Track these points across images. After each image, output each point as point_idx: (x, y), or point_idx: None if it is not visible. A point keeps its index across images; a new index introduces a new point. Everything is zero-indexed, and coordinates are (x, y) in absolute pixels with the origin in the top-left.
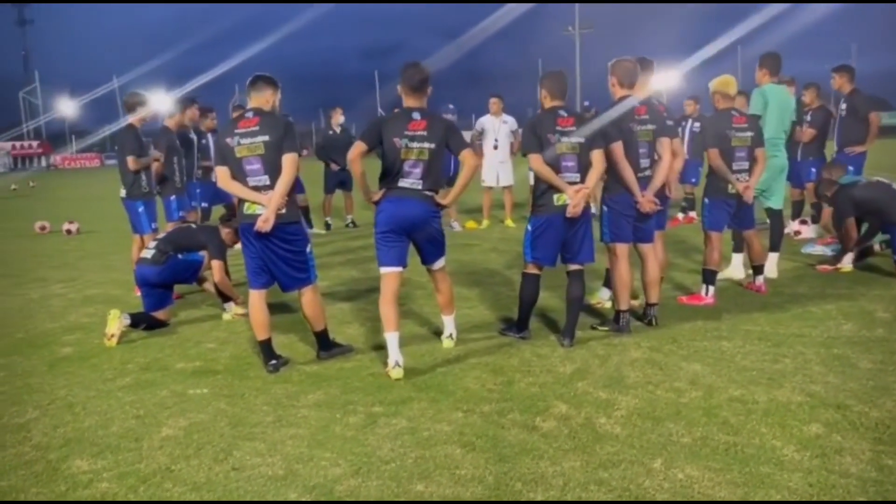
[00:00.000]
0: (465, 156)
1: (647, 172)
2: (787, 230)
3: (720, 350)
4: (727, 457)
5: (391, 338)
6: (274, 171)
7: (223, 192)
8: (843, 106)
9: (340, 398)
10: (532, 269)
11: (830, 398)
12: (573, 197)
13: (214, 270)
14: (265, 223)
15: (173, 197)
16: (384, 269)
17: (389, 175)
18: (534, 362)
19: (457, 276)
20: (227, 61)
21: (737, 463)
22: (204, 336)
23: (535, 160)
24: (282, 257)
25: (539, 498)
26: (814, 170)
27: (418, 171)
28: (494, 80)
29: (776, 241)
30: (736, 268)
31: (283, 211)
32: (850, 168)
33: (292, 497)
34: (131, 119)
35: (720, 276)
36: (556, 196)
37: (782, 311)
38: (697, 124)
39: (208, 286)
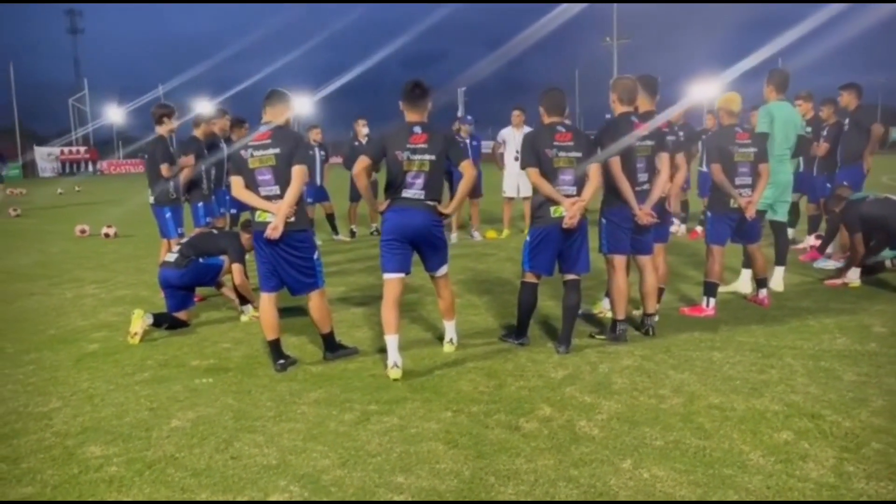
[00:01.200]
0: (465, 167)
1: (646, 186)
2: (803, 244)
3: (710, 360)
4: (694, 459)
5: (391, 340)
6: (284, 181)
7: None
8: (847, 122)
9: (340, 396)
10: (530, 278)
11: (807, 408)
12: (569, 209)
13: (234, 273)
14: (274, 231)
15: (201, 203)
16: (387, 276)
17: (393, 186)
18: (528, 367)
19: (469, 284)
20: (268, 70)
21: (702, 465)
22: (221, 336)
23: (533, 174)
24: (290, 263)
25: (509, 491)
26: (829, 185)
27: (420, 181)
28: (534, 90)
29: (782, 254)
30: (744, 282)
31: (292, 219)
32: (845, 183)
33: (282, 484)
34: (159, 130)
35: (727, 289)
36: (553, 208)
37: (780, 323)
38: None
39: (227, 291)
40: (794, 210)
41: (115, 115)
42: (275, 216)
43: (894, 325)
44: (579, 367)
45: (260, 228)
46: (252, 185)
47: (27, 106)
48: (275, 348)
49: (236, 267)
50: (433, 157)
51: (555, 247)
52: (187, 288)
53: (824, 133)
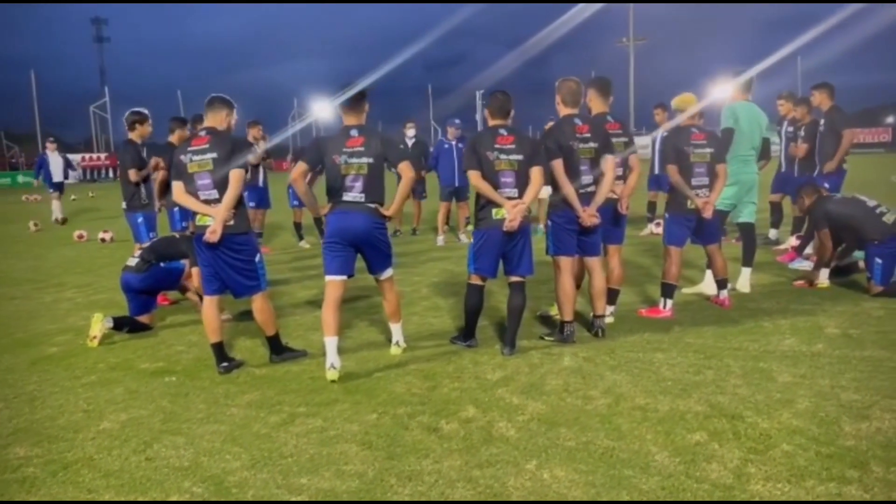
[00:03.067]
0: (402, 168)
1: (591, 189)
2: (785, 245)
3: (650, 361)
4: (599, 460)
5: (329, 342)
6: (222, 186)
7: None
8: (822, 122)
9: (273, 398)
10: (475, 280)
11: (730, 409)
12: (510, 212)
13: (194, 277)
14: (212, 234)
15: (176, 209)
16: (328, 277)
17: (333, 190)
18: (467, 369)
19: (439, 287)
20: (290, 74)
21: (605, 466)
22: (178, 339)
23: (475, 176)
24: (231, 266)
25: (406, 492)
26: (826, 185)
27: (359, 184)
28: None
29: (749, 256)
30: (708, 283)
31: (232, 223)
32: (826, 186)
33: (186, 485)
34: (131, 136)
35: (692, 290)
36: (494, 210)
37: (734, 325)
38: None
39: (191, 295)
40: (778, 211)
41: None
42: (213, 220)
43: (849, 326)
44: (518, 369)
45: (200, 232)
46: (192, 189)
47: (54, 114)
48: (217, 351)
49: (196, 271)
50: (370, 160)
51: (497, 249)
52: (148, 292)
53: (801, 133)
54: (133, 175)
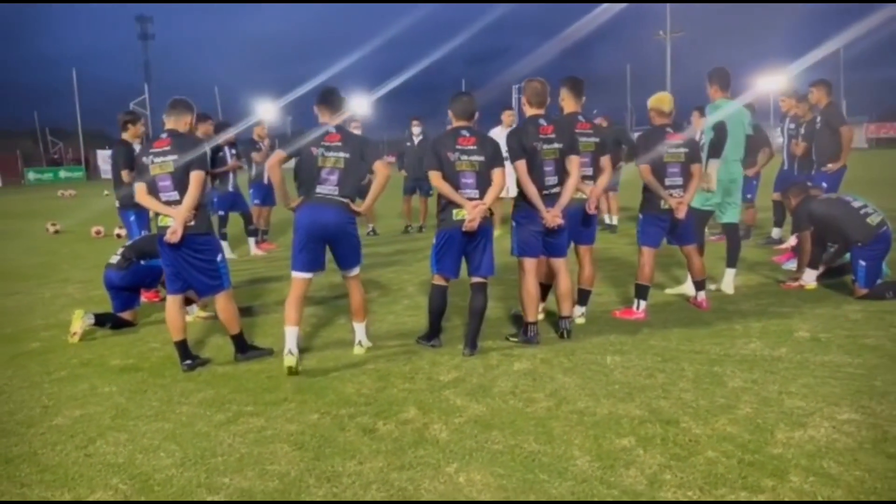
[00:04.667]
0: (378, 167)
1: (555, 190)
2: (786, 245)
3: (604, 364)
4: (519, 464)
5: (289, 331)
6: (183, 187)
7: (241, 201)
8: (818, 119)
9: (225, 397)
10: (438, 281)
11: (668, 413)
12: (470, 212)
13: None
14: (173, 235)
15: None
16: (295, 273)
17: (307, 183)
18: (423, 370)
19: (425, 286)
20: (331, 70)
21: (523, 470)
22: (155, 337)
23: (435, 177)
24: (193, 265)
25: (321, 493)
26: (824, 184)
27: (334, 178)
28: (598, 84)
29: (732, 257)
30: (690, 285)
31: (192, 223)
32: (825, 185)
33: (113, 482)
34: (124, 136)
35: (675, 291)
36: (455, 211)
37: (705, 327)
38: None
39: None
40: (780, 209)
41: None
42: (174, 220)
43: (821, 329)
44: (473, 370)
45: (162, 232)
46: (154, 190)
47: (97, 111)
48: (181, 349)
49: None
50: (347, 155)
51: (458, 249)
52: (130, 289)
53: (801, 131)
54: (126, 176)
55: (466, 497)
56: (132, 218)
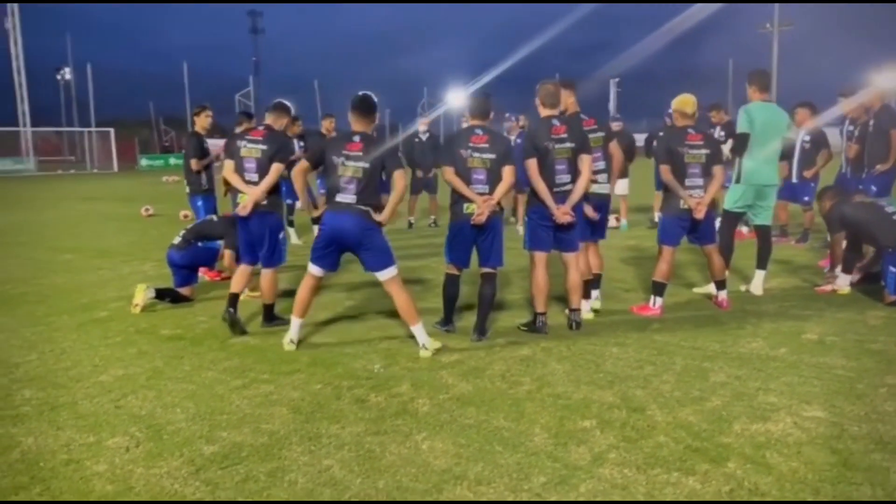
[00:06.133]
0: (396, 177)
1: (567, 188)
2: None
3: (601, 354)
4: (481, 437)
5: (294, 322)
6: (263, 172)
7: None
8: (871, 123)
9: (247, 366)
10: (451, 270)
11: (639, 401)
12: (480, 206)
13: (226, 258)
14: (243, 209)
15: (200, 202)
16: (309, 267)
17: (331, 190)
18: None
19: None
20: (433, 65)
21: (482, 441)
22: (204, 311)
23: (448, 172)
24: (259, 239)
25: (299, 449)
26: (861, 187)
27: (353, 187)
28: (705, 78)
29: (763, 258)
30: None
31: (265, 202)
32: (874, 188)
33: (131, 430)
34: (196, 127)
35: (700, 290)
36: (465, 205)
37: (714, 325)
38: (808, 137)
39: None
40: None
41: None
42: (248, 197)
43: (833, 333)
44: (474, 354)
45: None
46: (239, 169)
47: (210, 101)
48: (231, 299)
49: (227, 252)
50: (367, 165)
51: (468, 241)
52: (189, 267)
53: (856, 133)
54: (195, 164)
55: (422, 461)
56: (199, 203)
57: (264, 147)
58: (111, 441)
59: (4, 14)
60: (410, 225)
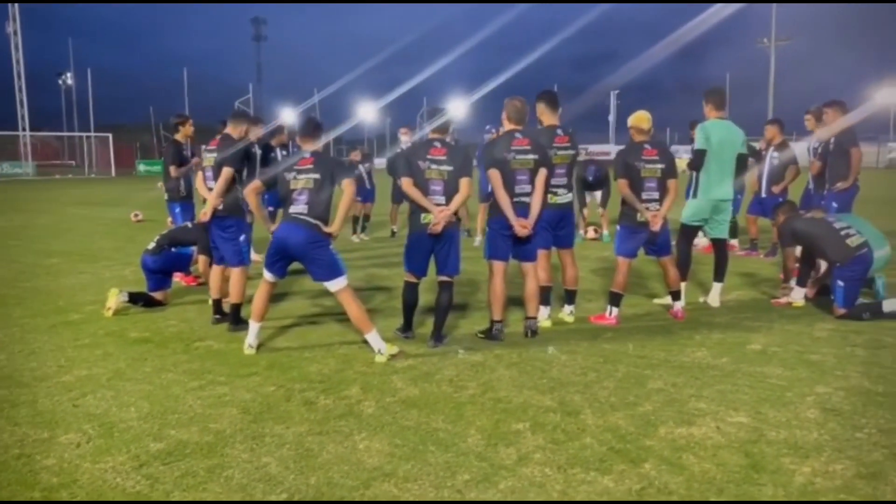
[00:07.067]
0: (345, 184)
1: (527, 198)
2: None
3: (549, 361)
4: (417, 437)
5: (253, 325)
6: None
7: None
8: (832, 141)
9: (206, 369)
10: (410, 278)
11: (575, 406)
12: (436, 217)
13: (199, 263)
14: (203, 216)
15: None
16: (264, 273)
17: (284, 204)
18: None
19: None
20: (432, 71)
21: (417, 441)
22: (175, 316)
23: (406, 183)
24: (222, 240)
25: (241, 447)
26: (823, 203)
27: (303, 198)
28: (701, 91)
29: (720, 271)
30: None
31: (220, 207)
32: (835, 205)
33: (84, 427)
34: (176, 136)
35: (659, 301)
36: (423, 215)
37: (665, 335)
38: (777, 153)
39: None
40: None
41: (287, 116)
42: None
43: (777, 344)
44: (428, 360)
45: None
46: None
47: (210, 108)
48: (215, 305)
49: (201, 258)
50: (317, 176)
51: (425, 250)
52: (162, 272)
53: (819, 151)
54: (173, 171)
55: (355, 458)
56: (177, 209)
57: (216, 155)
58: (64, 437)
59: (7, 19)
60: (393, 234)
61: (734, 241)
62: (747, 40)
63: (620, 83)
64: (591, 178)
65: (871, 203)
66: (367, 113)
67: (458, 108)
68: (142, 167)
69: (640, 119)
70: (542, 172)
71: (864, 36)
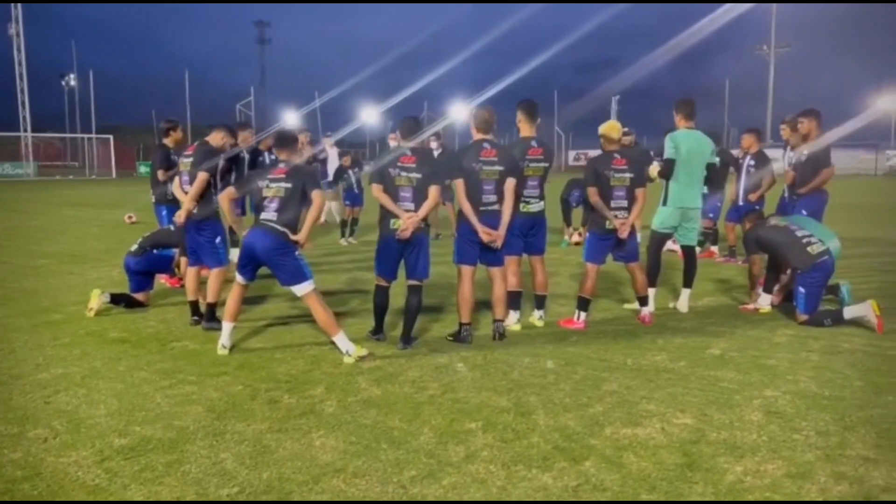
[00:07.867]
0: (314, 196)
1: (493, 207)
2: None
3: (510, 363)
4: (372, 435)
5: (226, 325)
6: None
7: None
8: (805, 151)
9: (178, 368)
10: (380, 282)
11: (529, 407)
12: (405, 222)
13: (181, 265)
14: (178, 218)
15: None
16: (236, 275)
17: (256, 211)
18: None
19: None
20: (436, 74)
21: (370, 439)
22: (155, 317)
23: (377, 189)
24: (199, 243)
25: (202, 443)
26: (804, 211)
27: (274, 205)
28: (709, 96)
29: (689, 278)
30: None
31: (195, 210)
32: (804, 212)
33: (53, 423)
34: (166, 141)
35: (629, 306)
36: (392, 221)
37: (629, 339)
38: (753, 161)
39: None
40: None
41: (290, 118)
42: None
43: (735, 349)
44: (395, 361)
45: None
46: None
47: (212, 110)
48: (192, 307)
49: (183, 260)
50: (289, 185)
51: (394, 254)
52: (144, 273)
53: (793, 159)
54: (161, 175)
55: (310, 455)
56: (164, 212)
57: (191, 160)
58: (32, 433)
59: (9, 20)
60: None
61: (714, 248)
62: (747, 47)
63: (621, 88)
64: (574, 204)
65: (868, 210)
66: (369, 116)
67: (459, 111)
68: (143, 169)
69: (611, 129)
70: (511, 182)
71: (864, 43)
